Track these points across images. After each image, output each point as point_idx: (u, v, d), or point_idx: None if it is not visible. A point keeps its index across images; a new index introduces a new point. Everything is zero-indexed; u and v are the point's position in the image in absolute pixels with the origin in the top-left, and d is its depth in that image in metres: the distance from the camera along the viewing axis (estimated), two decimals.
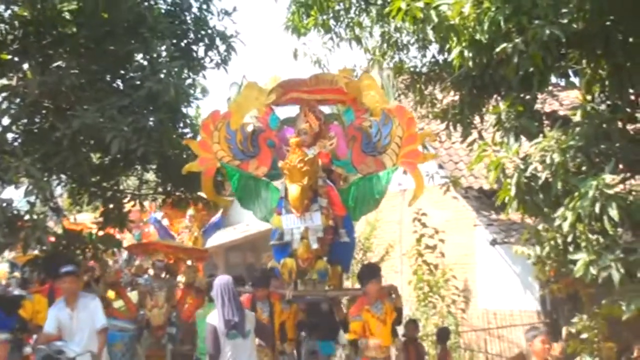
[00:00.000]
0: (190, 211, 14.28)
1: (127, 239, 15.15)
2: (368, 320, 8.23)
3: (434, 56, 10.98)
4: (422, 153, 8.81)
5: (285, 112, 9.59)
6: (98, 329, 8.13)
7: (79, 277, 8.78)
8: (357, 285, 9.86)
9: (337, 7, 11.65)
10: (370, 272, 8.73)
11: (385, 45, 11.16)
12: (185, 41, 11.02)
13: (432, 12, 8.09)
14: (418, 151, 8.61)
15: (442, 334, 11.48)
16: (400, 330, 9.43)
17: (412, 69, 11.67)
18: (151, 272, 11.74)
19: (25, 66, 9.98)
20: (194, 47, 11.12)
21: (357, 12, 11.62)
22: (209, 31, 11.09)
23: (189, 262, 11.85)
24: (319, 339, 9.96)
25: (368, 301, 8.30)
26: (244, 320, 7.50)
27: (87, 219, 15.81)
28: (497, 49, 7.67)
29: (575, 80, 9.16)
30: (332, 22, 11.60)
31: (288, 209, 8.29)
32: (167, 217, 15.59)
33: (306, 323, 9.49)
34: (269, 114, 9.35)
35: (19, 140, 10.07)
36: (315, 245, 8.23)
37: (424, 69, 11.47)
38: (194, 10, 11.23)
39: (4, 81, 10.23)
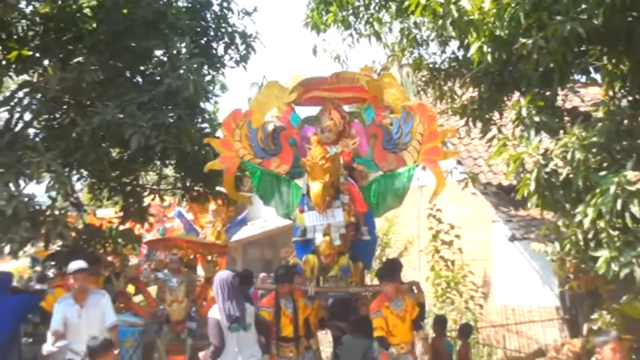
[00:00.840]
0: (212, 206, 14.32)
1: (152, 233, 15.18)
2: (387, 316, 8.26)
3: (453, 52, 10.96)
4: (443, 150, 8.79)
5: (306, 111, 9.66)
6: (108, 327, 7.91)
7: (91, 273, 8.82)
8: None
9: (356, 3, 11.64)
10: (388, 271, 8.73)
11: (404, 41, 11.13)
12: (205, 39, 11.03)
13: (452, 7, 8.10)
14: (439, 148, 8.62)
15: (464, 330, 11.46)
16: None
17: (431, 65, 11.64)
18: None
19: (46, 62, 10.04)
20: (214, 45, 11.13)
21: (376, 8, 11.60)
22: (229, 29, 11.11)
23: (208, 257, 11.90)
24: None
25: (387, 298, 8.33)
26: (244, 313, 7.82)
27: (107, 214, 15.88)
28: (517, 45, 7.65)
29: (597, 76, 9.12)
30: (351, 18, 11.58)
31: (310, 206, 8.37)
32: (191, 211, 15.67)
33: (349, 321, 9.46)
34: (290, 113, 9.38)
35: (40, 136, 10.14)
36: (337, 242, 8.31)
37: (444, 65, 11.44)
38: (214, 8, 11.24)
39: (25, 77, 10.32)
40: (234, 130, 9.04)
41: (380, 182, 8.95)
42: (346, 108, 9.63)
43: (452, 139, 14.34)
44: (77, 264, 7.92)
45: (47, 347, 7.80)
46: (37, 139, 9.83)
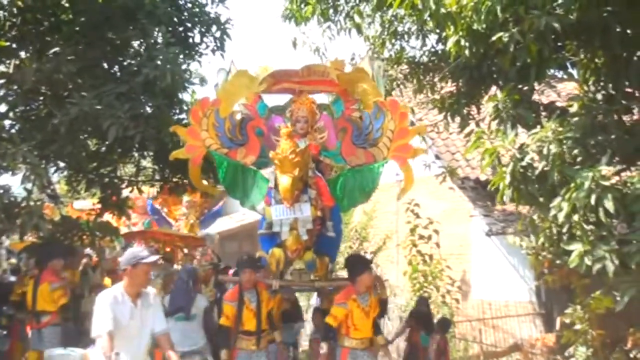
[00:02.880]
0: (186, 198, 14.25)
1: (137, 227, 15.09)
2: (353, 309, 8.23)
3: (432, 46, 10.97)
4: (413, 147, 8.71)
5: (273, 100, 9.52)
6: (160, 333, 6.47)
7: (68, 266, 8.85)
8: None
9: None
10: (363, 262, 8.77)
11: (385, 33, 11.13)
12: (181, 27, 11.00)
13: (430, 0, 8.10)
14: (409, 145, 8.57)
15: (443, 324, 11.52)
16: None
17: (411, 59, 11.66)
18: None
19: (22, 53, 9.97)
20: (190, 34, 11.11)
21: (356, 1, 11.58)
22: (204, 17, 11.07)
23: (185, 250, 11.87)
24: None
25: (357, 291, 8.28)
26: (190, 304, 8.39)
27: (86, 206, 15.78)
28: (494, 39, 7.67)
29: (574, 71, 9.16)
30: (331, 11, 11.55)
31: (278, 199, 8.26)
32: (164, 203, 15.55)
33: None
34: (257, 102, 9.23)
35: (16, 127, 10.07)
36: (304, 237, 8.24)
37: (423, 59, 11.46)
38: None
39: (2, 68, 10.24)
40: (202, 119, 8.82)
41: (348, 176, 8.89)
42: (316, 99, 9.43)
43: (426, 133, 14.37)
44: (152, 255, 6.59)
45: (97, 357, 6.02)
46: (13, 131, 9.77)
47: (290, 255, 8.39)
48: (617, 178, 7.03)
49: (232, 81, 8.97)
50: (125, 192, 11.91)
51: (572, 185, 6.87)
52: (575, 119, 7.68)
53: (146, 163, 12.48)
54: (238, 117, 9.06)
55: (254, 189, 8.92)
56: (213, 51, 11.19)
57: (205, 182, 10.12)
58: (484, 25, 7.76)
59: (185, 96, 11.02)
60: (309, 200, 8.28)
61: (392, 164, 8.75)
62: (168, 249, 11.71)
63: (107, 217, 12.07)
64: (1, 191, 8.35)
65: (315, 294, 11.55)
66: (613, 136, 7.82)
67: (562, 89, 14.00)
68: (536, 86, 8.77)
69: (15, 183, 9.51)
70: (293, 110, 8.89)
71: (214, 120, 8.85)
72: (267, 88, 9.05)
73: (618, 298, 7.07)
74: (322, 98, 9.70)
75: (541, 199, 7.60)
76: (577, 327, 10.42)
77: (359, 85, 8.88)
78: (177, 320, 8.57)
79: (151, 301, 6.42)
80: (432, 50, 11.05)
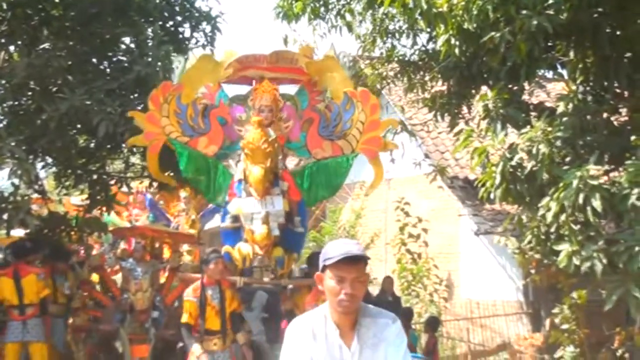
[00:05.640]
0: (184, 193, 14.11)
1: (141, 220, 14.92)
2: None
3: (423, 45, 10.98)
4: (384, 141, 8.60)
5: (234, 90, 9.16)
6: None
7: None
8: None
9: None
10: None
11: (376, 31, 11.13)
12: (171, 22, 10.95)
13: None
14: (380, 138, 8.44)
15: (432, 323, 11.58)
16: None
17: (401, 57, 11.67)
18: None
19: (12, 48, 9.93)
20: (180, 29, 11.06)
21: None
22: (195, 12, 11.02)
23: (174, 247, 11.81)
24: None
25: None
26: (252, 298, 8.14)
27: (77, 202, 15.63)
28: (484, 38, 7.68)
29: (564, 72, 9.19)
30: (322, 8, 11.53)
31: (248, 192, 7.91)
32: (163, 199, 15.37)
33: None
34: (217, 91, 8.86)
35: (4, 122, 10.02)
36: (276, 232, 7.90)
37: (414, 57, 11.47)
38: None
39: None
40: (162, 105, 8.40)
41: (314, 169, 8.59)
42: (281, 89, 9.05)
43: (420, 131, 14.39)
44: (351, 250, 3.38)
45: None
46: (1, 125, 9.73)
47: (259, 252, 7.94)
48: (605, 178, 7.10)
49: (196, 66, 8.56)
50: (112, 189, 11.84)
51: (561, 184, 6.91)
52: (565, 119, 7.71)
53: (135, 160, 12.43)
54: (201, 104, 8.68)
55: (216, 180, 8.54)
56: (203, 46, 11.12)
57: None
58: (475, 25, 7.79)
59: None
60: (282, 193, 7.96)
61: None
62: (156, 245, 11.62)
63: (113, 215, 11.96)
64: None
65: None
66: (602, 136, 7.86)
67: (552, 89, 14.04)
68: (526, 86, 8.79)
69: (1, 178, 9.48)
70: (255, 99, 8.47)
71: (176, 106, 8.46)
72: (233, 74, 8.62)
73: (605, 298, 7.10)
74: (286, 88, 9.25)
75: (530, 199, 7.63)
76: (565, 326, 10.47)
77: (328, 74, 8.61)
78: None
79: (380, 336, 3.42)
80: (423, 49, 11.06)
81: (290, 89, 9.28)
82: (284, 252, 8.14)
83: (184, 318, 8.12)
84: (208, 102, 8.72)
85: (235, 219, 8.05)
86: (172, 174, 9.69)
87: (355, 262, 3.34)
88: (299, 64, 8.68)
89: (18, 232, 10.22)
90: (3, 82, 9.81)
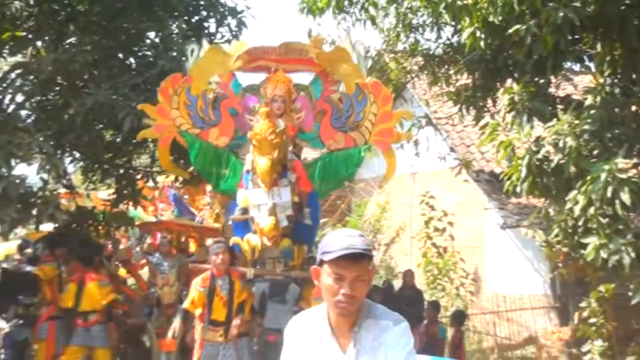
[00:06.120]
0: (209, 187, 14.12)
1: (166, 215, 15.02)
2: None
3: (448, 38, 10.94)
4: (397, 132, 8.45)
5: (248, 79, 9.02)
6: None
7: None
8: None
9: None
10: None
11: (400, 25, 11.09)
12: (197, 17, 10.98)
13: None
14: (392, 130, 8.30)
15: (458, 317, 11.54)
16: None
17: (425, 51, 11.63)
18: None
19: (39, 43, 10.01)
20: (205, 24, 11.08)
21: None
22: (220, 8, 11.03)
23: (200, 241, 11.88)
24: None
25: None
26: (285, 291, 8.25)
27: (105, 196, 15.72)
28: (510, 31, 7.63)
29: (590, 64, 9.12)
30: (346, 2, 11.51)
31: (256, 183, 7.78)
32: (188, 193, 15.40)
33: None
34: (231, 80, 8.72)
35: (32, 117, 10.11)
36: (284, 223, 7.76)
37: (438, 51, 11.43)
38: None
39: (18, 58, 10.29)
40: (172, 97, 8.35)
41: (327, 161, 8.49)
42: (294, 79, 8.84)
43: (445, 125, 14.35)
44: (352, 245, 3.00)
45: None
46: (29, 121, 9.81)
47: (267, 243, 7.79)
48: (634, 171, 7.03)
49: (205, 58, 8.47)
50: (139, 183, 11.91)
51: (589, 178, 6.86)
52: (592, 111, 7.64)
53: None
54: (211, 95, 8.60)
55: (228, 172, 8.46)
56: (228, 41, 11.13)
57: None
58: (500, 18, 7.74)
59: None
60: (289, 184, 7.81)
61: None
62: (183, 239, 11.70)
63: (139, 209, 12.02)
64: (17, 181, 8.36)
65: None
66: (630, 129, 7.78)
67: (579, 82, 13.93)
68: (552, 79, 8.71)
69: (31, 173, 9.56)
70: (268, 89, 8.35)
71: (185, 98, 8.41)
72: (242, 65, 8.52)
73: (632, 293, 7.06)
74: (300, 78, 9.10)
75: (556, 192, 7.58)
76: (593, 320, 10.41)
77: (340, 65, 8.49)
78: (273, 302, 8.29)
79: (381, 339, 3.03)
80: (447, 42, 11.01)
81: (304, 79, 9.15)
82: (293, 244, 8.00)
83: (186, 304, 8.10)
84: (221, 92, 8.64)
85: (245, 210, 7.94)
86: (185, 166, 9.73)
87: (358, 260, 2.94)
88: (309, 55, 8.55)
89: (47, 227, 10.33)
90: (31, 77, 9.89)
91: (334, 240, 2.96)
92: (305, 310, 3.29)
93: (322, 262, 2.99)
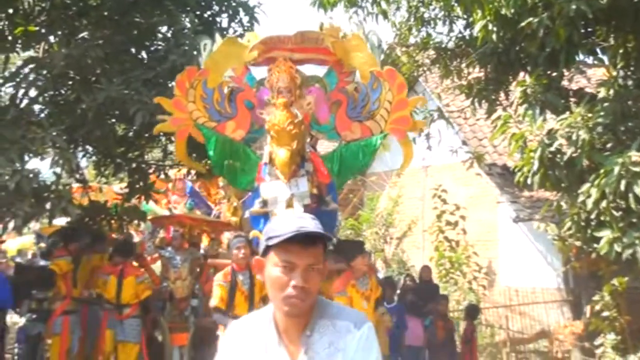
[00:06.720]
0: (221, 182, 14.09)
1: (179, 207, 15.04)
2: (352, 296, 7.96)
3: (460, 32, 10.91)
4: (413, 120, 8.29)
5: (261, 72, 8.70)
6: None
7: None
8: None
9: None
10: (356, 246, 8.50)
11: (412, 19, 11.07)
12: (208, 12, 10.97)
13: None
14: (408, 117, 8.14)
15: (471, 311, 11.55)
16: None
17: (437, 44, 11.60)
18: None
19: (52, 38, 10.03)
20: (217, 19, 11.07)
21: None
22: (232, 3, 11.02)
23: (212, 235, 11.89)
24: None
25: (354, 276, 8.07)
26: None
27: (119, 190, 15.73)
28: (522, 24, 7.60)
29: (604, 57, 9.07)
30: None
31: (274, 175, 7.66)
32: (203, 187, 15.38)
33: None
34: (245, 73, 8.54)
35: (45, 112, 10.14)
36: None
37: (450, 44, 11.40)
38: None
39: (31, 53, 10.32)
40: (188, 90, 8.20)
41: (343, 152, 8.36)
42: (308, 71, 8.65)
43: (457, 118, 14.31)
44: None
45: None
46: (42, 115, 9.84)
47: None
48: None
49: (220, 50, 8.31)
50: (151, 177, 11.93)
51: (602, 171, 6.83)
52: (605, 104, 7.60)
53: (173, 148, 12.49)
54: (227, 88, 8.46)
55: (245, 166, 8.35)
56: (240, 36, 11.12)
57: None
58: (513, 10, 7.71)
59: None
60: (306, 174, 7.67)
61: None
62: (195, 233, 11.71)
63: (152, 203, 12.05)
64: (30, 175, 8.38)
65: None
66: None
67: (592, 75, 13.87)
68: (565, 72, 8.67)
69: (44, 167, 9.59)
70: (272, 81, 8.12)
71: (202, 91, 8.27)
72: (258, 56, 8.32)
73: None
74: (314, 70, 8.84)
75: (569, 185, 7.55)
76: (605, 314, 10.37)
77: (355, 54, 8.32)
78: None
79: (342, 344, 2.59)
80: (460, 35, 10.98)
81: (319, 71, 9.07)
82: None
83: (214, 302, 8.07)
84: (235, 86, 8.52)
85: (265, 203, 7.83)
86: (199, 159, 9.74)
87: (310, 244, 2.52)
88: (325, 43, 8.33)
89: (60, 221, 10.37)
90: (44, 72, 9.92)
91: (282, 224, 2.54)
92: (247, 314, 2.83)
93: (267, 250, 2.56)
